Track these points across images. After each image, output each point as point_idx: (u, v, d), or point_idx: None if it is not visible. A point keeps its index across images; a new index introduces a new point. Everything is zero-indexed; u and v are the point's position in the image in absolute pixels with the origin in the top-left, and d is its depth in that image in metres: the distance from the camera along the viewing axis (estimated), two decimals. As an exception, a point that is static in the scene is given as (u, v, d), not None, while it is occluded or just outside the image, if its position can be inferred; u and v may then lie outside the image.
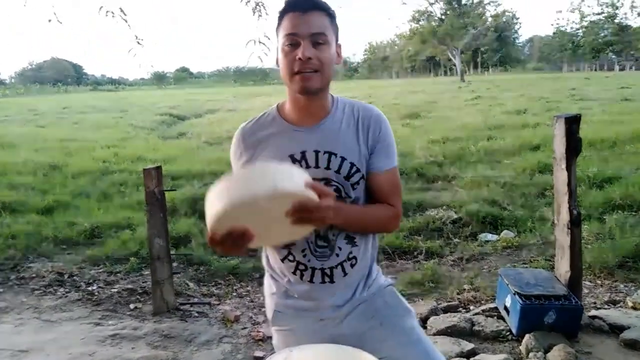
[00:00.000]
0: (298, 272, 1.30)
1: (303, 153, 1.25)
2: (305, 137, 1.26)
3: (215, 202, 0.99)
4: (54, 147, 10.09)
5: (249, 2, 3.36)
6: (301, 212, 1.02)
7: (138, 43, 3.52)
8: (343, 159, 1.25)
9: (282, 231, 1.11)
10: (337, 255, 1.28)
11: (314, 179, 1.22)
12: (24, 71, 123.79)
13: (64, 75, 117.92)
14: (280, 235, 1.16)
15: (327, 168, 1.24)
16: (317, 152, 1.25)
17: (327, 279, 1.29)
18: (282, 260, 1.33)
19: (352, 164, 1.25)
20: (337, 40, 1.25)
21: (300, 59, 1.15)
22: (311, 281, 1.30)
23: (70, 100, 36.90)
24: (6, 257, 4.11)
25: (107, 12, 3.50)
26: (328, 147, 1.25)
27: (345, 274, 1.30)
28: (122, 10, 3.52)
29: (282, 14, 1.20)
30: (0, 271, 3.89)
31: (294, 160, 1.24)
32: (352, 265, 1.31)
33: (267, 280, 1.43)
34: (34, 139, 11.49)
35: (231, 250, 1.06)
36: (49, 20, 3.66)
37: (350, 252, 1.30)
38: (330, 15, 1.21)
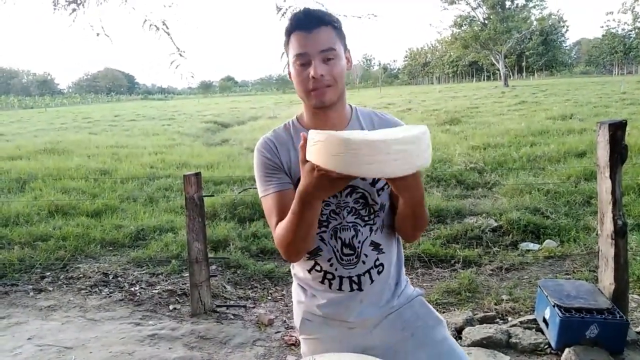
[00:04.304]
0: (326, 281, 1.31)
1: None
2: None
3: (342, 157, 0.91)
4: (105, 153, 10.59)
5: (285, 13, 3.43)
6: None
7: (180, 55, 3.65)
8: None
9: None
10: (364, 262, 1.28)
11: None
12: (80, 81, 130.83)
13: (116, 85, 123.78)
14: None
15: None
16: None
17: (355, 287, 1.29)
18: (309, 271, 1.33)
19: None
20: (345, 47, 1.24)
21: (313, 77, 1.16)
22: (340, 289, 1.30)
23: (122, 108, 38.72)
24: (57, 257, 4.34)
25: (150, 25, 3.66)
26: None
27: (373, 281, 1.30)
28: (164, 24, 3.67)
29: (289, 33, 1.20)
30: (50, 271, 4.12)
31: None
32: (379, 273, 1.30)
33: (295, 288, 1.43)
34: (87, 145, 12.10)
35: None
36: (97, 35, 3.86)
37: (377, 259, 1.30)
38: (336, 27, 1.20)
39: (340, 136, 0.92)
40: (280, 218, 1.20)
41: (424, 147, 0.95)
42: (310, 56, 1.16)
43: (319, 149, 0.95)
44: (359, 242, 1.27)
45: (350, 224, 1.26)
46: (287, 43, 1.22)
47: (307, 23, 1.17)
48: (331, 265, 1.28)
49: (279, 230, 1.19)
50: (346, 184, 1.01)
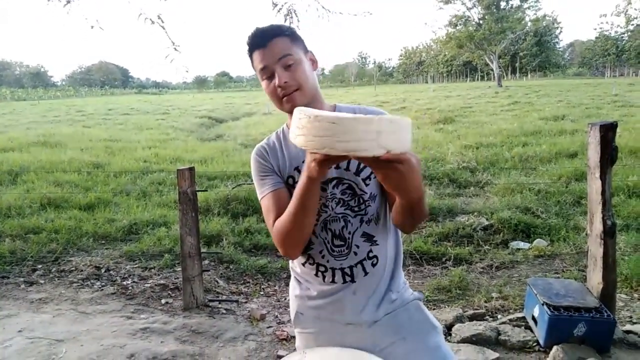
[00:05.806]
0: (320, 274, 1.33)
1: None
2: None
3: (328, 137, 0.87)
4: (99, 146, 10.53)
5: (280, 9, 3.44)
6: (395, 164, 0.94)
7: (175, 49, 3.64)
8: None
9: None
10: (356, 253, 1.30)
11: (329, 179, 1.27)
12: (74, 74, 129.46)
13: (111, 78, 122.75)
14: None
15: (337, 167, 1.28)
16: None
17: (347, 279, 1.31)
18: (303, 265, 1.36)
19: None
20: (305, 50, 1.30)
21: (279, 86, 1.23)
22: (333, 282, 1.32)
23: (116, 102, 38.46)
24: (49, 250, 4.33)
25: (145, 19, 3.65)
26: None
27: (367, 274, 1.31)
28: (159, 18, 3.66)
29: (250, 53, 1.28)
30: (42, 264, 4.11)
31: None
32: (373, 265, 1.32)
33: (292, 282, 1.46)
34: (80, 138, 12.03)
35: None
36: (92, 27, 3.84)
37: (370, 251, 1.31)
38: (288, 34, 1.26)
39: (308, 112, 0.93)
40: (277, 215, 1.24)
41: (395, 130, 0.90)
42: (270, 68, 1.24)
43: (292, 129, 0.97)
44: (349, 232, 1.29)
45: (340, 215, 1.28)
46: (252, 63, 1.30)
47: (260, 40, 1.25)
48: (323, 257, 1.31)
49: (277, 224, 1.23)
50: (322, 160, 0.98)
